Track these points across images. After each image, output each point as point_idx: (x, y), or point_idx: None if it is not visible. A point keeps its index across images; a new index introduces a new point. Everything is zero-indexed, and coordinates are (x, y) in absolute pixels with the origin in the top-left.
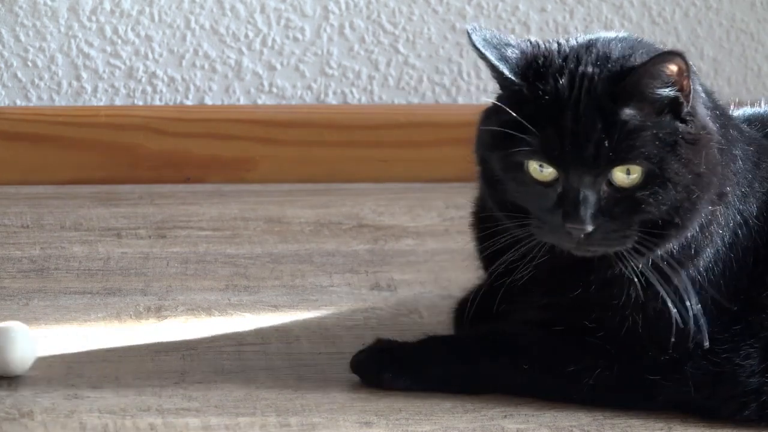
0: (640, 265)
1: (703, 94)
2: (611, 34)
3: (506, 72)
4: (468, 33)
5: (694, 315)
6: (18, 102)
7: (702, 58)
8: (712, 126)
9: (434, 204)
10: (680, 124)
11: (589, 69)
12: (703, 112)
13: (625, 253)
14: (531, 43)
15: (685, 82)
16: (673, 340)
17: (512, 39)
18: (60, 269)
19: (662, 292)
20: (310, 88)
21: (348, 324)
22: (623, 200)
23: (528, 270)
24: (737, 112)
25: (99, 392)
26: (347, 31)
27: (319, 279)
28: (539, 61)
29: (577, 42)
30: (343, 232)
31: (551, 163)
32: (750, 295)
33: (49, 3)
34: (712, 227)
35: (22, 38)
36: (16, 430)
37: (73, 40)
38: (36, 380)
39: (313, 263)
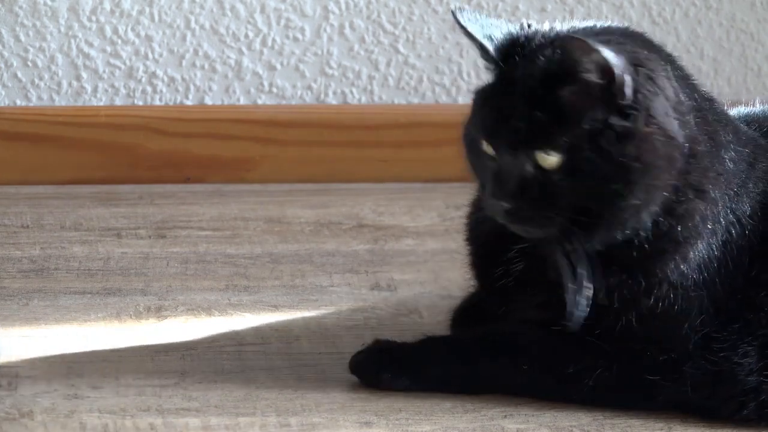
0: (574, 249)
1: (671, 95)
2: (614, 25)
3: (489, 50)
4: (453, 13)
5: (577, 311)
6: (18, 102)
7: (702, 58)
8: (671, 127)
9: (434, 204)
10: (614, 117)
11: (548, 52)
12: (661, 111)
13: (562, 239)
14: (524, 26)
15: (617, 72)
16: (670, 339)
17: (504, 22)
18: (60, 269)
19: (565, 277)
20: (310, 88)
21: (348, 324)
22: (545, 183)
23: (519, 265)
24: (732, 112)
25: (99, 392)
26: (347, 31)
27: (319, 279)
28: (520, 42)
29: (566, 26)
30: (343, 232)
31: (485, 139)
32: (747, 294)
33: (49, 3)
34: (694, 222)
35: (22, 38)
36: (16, 430)
37: (73, 40)
38: (36, 380)
39: (313, 263)
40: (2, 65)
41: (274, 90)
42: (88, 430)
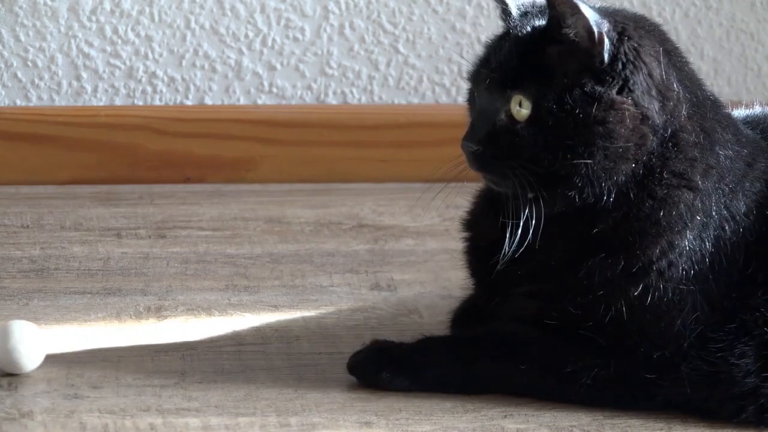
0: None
1: (656, 75)
2: (631, 11)
3: (507, 4)
4: None
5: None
6: (18, 102)
7: (702, 58)
8: (647, 104)
9: (434, 204)
10: (588, 78)
11: (552, 11)
12: (640, 86)
13: (519, 192)
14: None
15: (596, 32)
16: (662, 334)
17: None
18: (60, 269)
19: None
20: (310, 88)
21: (348, 324)
22: (512, 133)
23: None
24: (740, 113)
25: (99, 392)
26: (347, 31)
27: (319, 279)
28: (536, 3)
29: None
30: (343, 232)
31: (469, 80)
32: (742, 294)
33: (49, 3)
34: (679, 210)
35: (22, 38)
36: (16, 430)
37: (73, 40)
38: (36, 380)
39: (313, 263)
40: (2, 65)
41: (274, 90)
42: (88, 430)
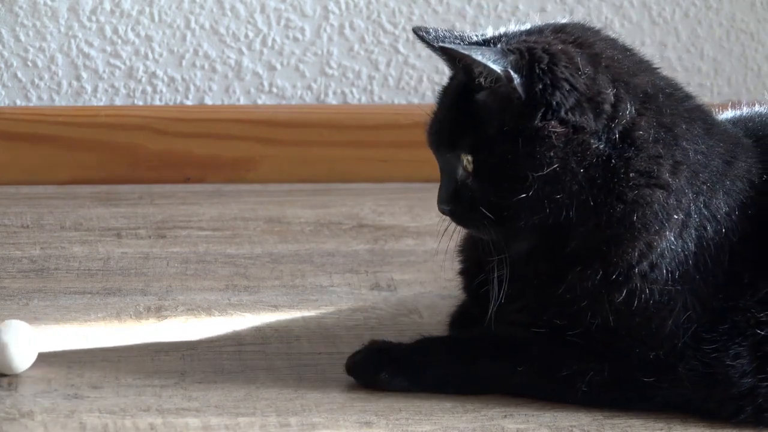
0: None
1: (580, 86)
2: (564, 22)
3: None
4: (419, 34)
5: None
6: (18, 102)
7: (702, 58)
8: (577, 118)
9: (434, 204)
10: (511, 116)
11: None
12: (564, 104)
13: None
14: (492, 34)
15: (500, 73)
16: (654, 335)
17: (467, 32)
18: (60, 269)
19: (495, 276)
20: (310, 88)
21: (348, 324)
22: (468, 188)
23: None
24: (727, 115)
25: (99, 392)
26: (347, 31)
27: (319, 279)
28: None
29: (519, 28)
30: (343, 232)
31: (428, 146)
32: (730, 295)
33: (49, 3)
34: (653, 209)
35: (22, 38)
36: (16, 430)
37: (73, 40)
38: (36, 380)
39: (313, 263)
40: (2, 65)
41: (274, 90)
42: (88, 430)
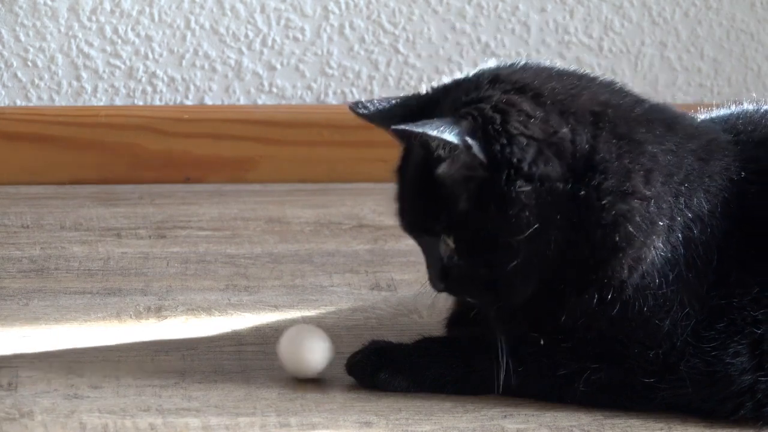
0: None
1: (536, 134)
2: (487, 69)
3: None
4: (358, 112)
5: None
6: (18, 102)
7: (702, 58)
8: (541, 168)
9: None
10: (480, 187)
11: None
12: (527, 158)
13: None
14: (427, 91)
15: (457, 144)
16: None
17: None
18: (60, 269)
19: (500, 343)
20: (310, 88)
21: (348, 324)
22: (455, 266)
23: None
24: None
25: (99, 392)
26: (347, 31)
27: (319, 279)
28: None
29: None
30: (343, 232)
31: (403, 230)
32: (723, 293)
33: (49, 3)
34: (635, 223)
35: (22, 38)
36: (16, 430)
37: (73, 40)
38: (36, 380)
39: (313, 263)
40: (2, 65)
41: (274, 90)
42: (88, 430)
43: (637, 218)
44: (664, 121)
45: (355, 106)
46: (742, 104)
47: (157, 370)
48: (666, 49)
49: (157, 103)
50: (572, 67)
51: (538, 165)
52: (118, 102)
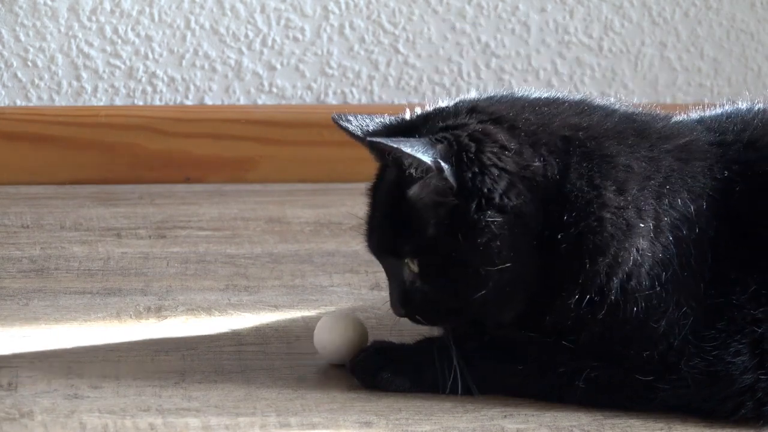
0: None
1: (510, 166)
2: (466, 99)
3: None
4: (341, 125)
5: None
6: (18, 102)
7: (702, 58)
8: (513, 201)
9: None
10: (450, 213)
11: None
12: (499, 189)
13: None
14: (410, 116)
15: (430, 164)
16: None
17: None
18: (60, 269)
19: (455, 357)
20: (310, 88)
21: None
22: (417, 290)
23: None
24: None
25: (99, 392)
26: (347, 31)
27: (319, 279)
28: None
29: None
30: (343, 232)
31: (368, 251)
32: (720, 292)
33: (49, 3)
34: (605, 234)
35: (22, 38)
36: (16, 430)
37: (73, 40)
38: (36, 380)
39: (313, 263)
40: (2, 65)
41: (274, 90)
42: (88, 430)
43: (609, 228)
44: (635, 129)
45: (338, 117)
46: (736, 104)
47: (157, 370)
48: (666, 49)
49: (157, 103)
50: (545, 93)
51: (510, 198)
52: (118, 102)
